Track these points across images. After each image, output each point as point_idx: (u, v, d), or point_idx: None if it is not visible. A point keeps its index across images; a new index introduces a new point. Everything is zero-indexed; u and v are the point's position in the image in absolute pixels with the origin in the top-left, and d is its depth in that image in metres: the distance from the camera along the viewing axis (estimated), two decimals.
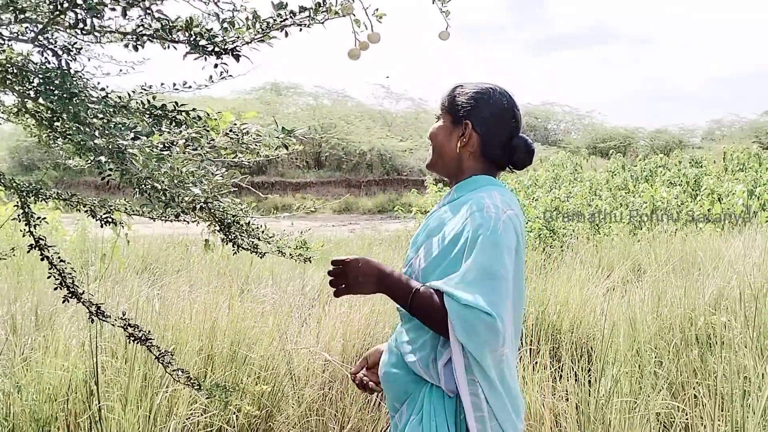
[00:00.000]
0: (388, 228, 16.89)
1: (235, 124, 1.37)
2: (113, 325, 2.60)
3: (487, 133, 2.10)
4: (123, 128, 1.51)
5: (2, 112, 3.15)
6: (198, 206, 1.43)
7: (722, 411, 3.31)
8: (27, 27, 1.77)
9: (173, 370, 2.71)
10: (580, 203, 11.32)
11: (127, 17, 1.51)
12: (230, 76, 1.79)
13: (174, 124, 1.72)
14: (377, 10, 2.00)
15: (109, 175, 1.59)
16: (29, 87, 2.02)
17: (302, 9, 1.58)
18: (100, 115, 1.58)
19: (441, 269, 1.95)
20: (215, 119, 1.33)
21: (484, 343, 1.77)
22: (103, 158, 1.45)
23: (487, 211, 1.91)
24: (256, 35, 1.56)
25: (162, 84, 2.56)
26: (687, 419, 3.46)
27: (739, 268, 5.41)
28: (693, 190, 13.24)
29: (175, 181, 1.35)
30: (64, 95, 1.62)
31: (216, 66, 1.65)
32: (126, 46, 1.61)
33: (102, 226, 2.69)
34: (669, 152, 25.32)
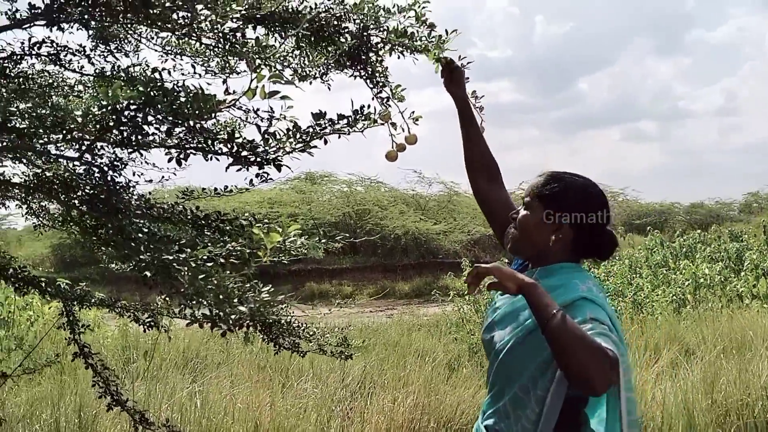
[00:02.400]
0: (426, 312, 16.70)
1: (282, 240, 1.37)
2: None
3: (580, 230, 2.11)
4: (167, 241, 1.52)
5: (47, 220, 3.23)
6: (245, 324, 1.43)
7: None
8: (73, 145, 1.82)
9: None
10: (620, 282, 11.14)
11: (172, 135, 1.54)
12: (270, 179, 1.82)
13: (217, 232, 1.74)
14: (413, 112, 2.04)
15: (153, 283, 1.60)
16: (74, 197, 2.06)
17: (341, 117, 1.61)
18: (145, 229, 1.60)
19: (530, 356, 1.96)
20: (259, 233, 1.34)
21: None
22: (148, 273, 1.46)
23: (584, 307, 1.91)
24: (296, 145, 1.59)
25: (203, 189, 2.61)
26: None
27: None
28: (735, 265, 12.97)
29: (221, 297, 1.35)
30: (110, 211, 1.65)
31: (258, 175, 1.67)
32: (170, 160, 1.64)
33: (145, 331, 2.70)
34: (707, 227, 24.99)
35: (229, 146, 1.64)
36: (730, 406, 4.20)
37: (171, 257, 1.44)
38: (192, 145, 1.70)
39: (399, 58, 2.09)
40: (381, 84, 2.13)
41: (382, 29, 2.03)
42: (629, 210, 36.99)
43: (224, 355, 8.08)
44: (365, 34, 2.03)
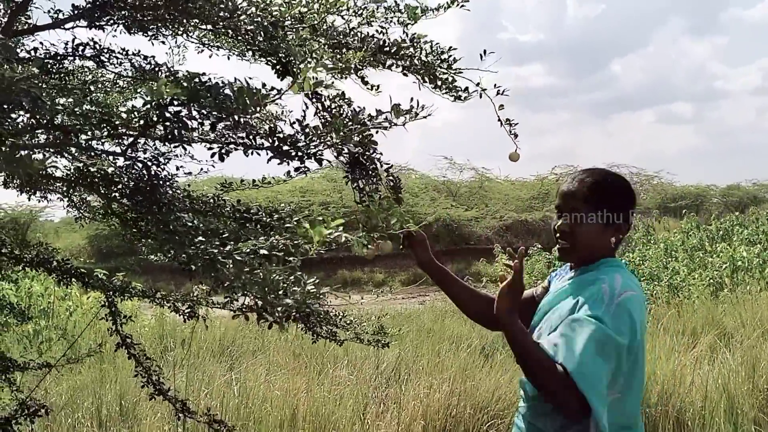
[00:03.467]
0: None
1: (329, 235, 1.38)
2: (198, 421, 2.62)
3: (628, 228, 2.14)
4: (210, 235, 1.54)
5: (88, 212, 3.28)
6: (291, 316, 1.45)
7: None
8: (117, 141, 1.85)
9: None
10: (655, 266, 11.03)
11: (215, 131, 1.56)
12: (307, 170, 1.83)
13: (259, 225, 1.76)
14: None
15: (196, 275, 1.63)
16: (115, 190, 2.10)
17: (379, 112, 1.62)
18: (189, 223, 1.62)
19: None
20: (306, 228, 1.35)
21: None
22: (194, 266, 1.48)
23: (601, 298, 1.94)
24: (336, 140, 1.59)
25: (242, 181, 2.64)
26: None
27: None
28: None
29: (267, 291, 1.37)
30: (153, 205, 1.67)
31: (297, 169, 1.69)
32: (213, 155, 1.66)
33: (185, 321, 2.74)
34: (744, 209, 24.58)
35: (270, 141, 1.66)
36: None
37: (215, 250, 1.46)
38: (234, 140, 1.72)
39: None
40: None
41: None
42: (664, 193, 36.48)
43: (259, 343, 8.16)
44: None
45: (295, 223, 1.51)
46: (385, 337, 3.03)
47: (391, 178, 1.87)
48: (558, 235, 2.13)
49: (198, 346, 7.32)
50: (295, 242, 1.47)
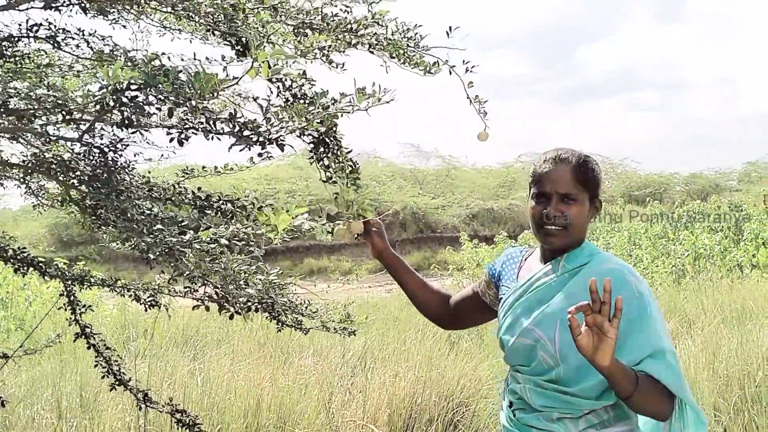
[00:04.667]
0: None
1: (292, 224, 1.35)
2: (160, 411, 2.57)
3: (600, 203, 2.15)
4: (169, 223, 1.50)
5: (46, 199, 3.20)
6: (253, 307, 1.41)
7: None
8: (73, 126, 1.80)
9: None
10: (619, 254, 11.15)
11: (173, 116, 1.52)
12: (271, 157, 1.80)
13: (220, 213, 1.72)
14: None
15: (156, 264, 1.59)
16: (73, 177, 2.04)
17: (343, 95, 1.58)
18: (147, 210, 1.58)
19: None
20: (268, 215, 1.31)
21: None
22: (152, 255, 1.44)
23: (635, 287, 1.98)
24: (299, 125, 1.56)
25: (204, 167, 2.58)
26: None
27: None
28: (735, 235, 12.98)
29: (228, 280, 1.33)
30: (111, 192, 1.62)
31: (260, 155, 1.65)
32: (171, 140, 1.62)
33: (146, 310, 2.69)
34: (706, 197, 24.96)
35: (231, 126, 1.62)
36: (731, 375, 4.21)
37: (174, 239, 1.42)
38: (193, 125, 1.68)
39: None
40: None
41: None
42: (628, 181, 36.92)
43: (224, 332, 8.09)
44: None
45: (257, 210, 1.47)
46: (351, 326, 3.01)
47: (350, 162, 1.84)
48: (550, 220, 2.05)
49: (161, 337, 7.23)
50: (258, 230, 1.43)
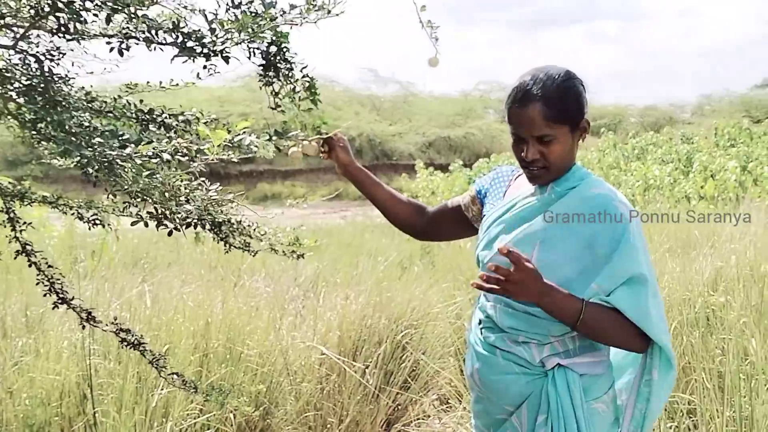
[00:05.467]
0: (380, 213, 16.77)
1: (230, 138, 1.30)
2: (104, 330, 2.54)
3: (590, 124, 2.09)
4: (109, 137, 1.44)
5: None
6: (192, 223, 1.37)
7: (726, 395, 3.28)
8: (7, 33, 1.70)
9: (168, 374, 2.65)
10: None
11: (111, 22, 1.44)
12: (218, 72, 1.73)
13: (163, 128, 1.66)
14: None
15: (97, 181, 1.54)
16: (10, 89, 1.94)
17: (293, 7, 1.52)
18: (86, 123, 1.51)
19: (581, 268, 1.95)
20: (205, 129, 1.26)
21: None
22: (90, 169, 1.38)
23: (624, 214, 1.95)
24: (245, 37, 1.50)
25: (148, 83, 2.49)
26: (691, 405, 3.43)
27: (736, 247, 5.38)
28: (685, 167, 13.22)
29: (167, 196, 1.29)
30: (48, 103, 1.55)
31: (205, 67, 1.59)
32: (111, 50, 1.54)
33: (90, 229, 2.63)
34: (660, 129, 25.29)
35: (174, 36, 1.55)
36: (673, 301, 4.33)
37: (114, 153, 1.37)
38: (134, 34, 1.60)
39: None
40: None
41: None
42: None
43: (175, 255, 8.04)
44: None
45: (201, 125, 1.42)
46: (300, 249, 2.99)
47: (307, 79, 1.78)
48: (528, 162, 1.98)
49: (110, 258, 7.15)
50: (202, 146, 1.38)
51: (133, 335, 2.54)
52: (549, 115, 1.90)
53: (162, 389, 3.45)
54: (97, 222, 2.57)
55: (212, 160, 1.28)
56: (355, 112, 32.48)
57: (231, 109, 27.80)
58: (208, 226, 2.09)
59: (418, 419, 4.34)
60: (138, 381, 3.48)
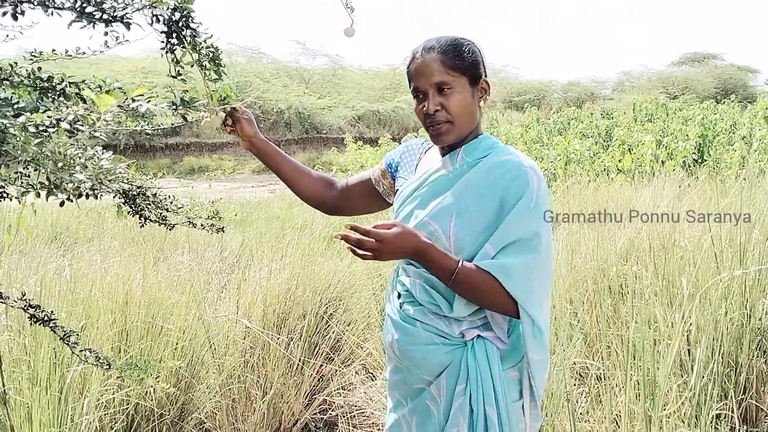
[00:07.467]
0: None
1: (123, 102, 1.27)
2: (12, 306, 2.47)
3: (489, 88, 2.11)
4: (3, 104, 1.39)
5: None
6: (84, 193, 1.34)
7: (634, 360, 3.40)
8: None
9: (81, 350, 2.60)
10: None
11: None
12: (126, 41, 1.69)
13: (63, 97, 1.62)
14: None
15: None
16: None
17: None
18: None
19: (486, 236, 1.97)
20: (90, 94, 1.23)
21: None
22: None
23: (531, 178, 1.97)
24: (147, 2, 1.46)
25: (53, 50, 2.41)
26: (601, 370, 3.55)
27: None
28: (605, 141, 13.57)
29: (59, 165, 1.26)
30: None
31: (106, 34, 1.54)
32: (4, 14, 1.48)
33: None
34: (581, 104, 25.85)
35: (72, 1, 1.50)
36: (587, 272, 4.46)
37: (6, 121, 1.32)
38: None
39: None
40: None
41: None
42: (509, 87, 37.63)
43: (96, 230, 7.86)
44: None
45: (84, 91, 1.38)
46: (219, 222, 2.95)
47: (211, 49, 1.75)
48: (432, 116, 2.00)
49: (27, 233, 6.93)
50: (95, 113, 1.34)
51: (42, 311, 2.48)
52: (446, 61, 1.98)
53: (78, 365, 3.38)
54: (3, 196, 2.50)
55: (98, 128, 1.25)
56: (284, 85, 32.11)
57: (156, 80, 27.12)
58: (123, 200, 2.05)
59: (342, 389, 4.38)
60: (54, 357, 3.40)
